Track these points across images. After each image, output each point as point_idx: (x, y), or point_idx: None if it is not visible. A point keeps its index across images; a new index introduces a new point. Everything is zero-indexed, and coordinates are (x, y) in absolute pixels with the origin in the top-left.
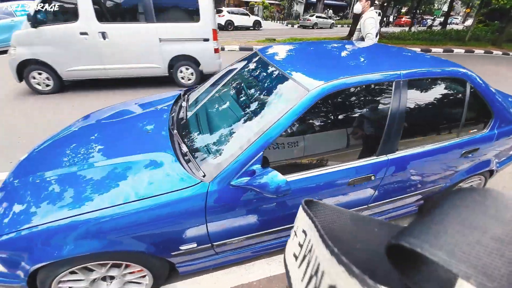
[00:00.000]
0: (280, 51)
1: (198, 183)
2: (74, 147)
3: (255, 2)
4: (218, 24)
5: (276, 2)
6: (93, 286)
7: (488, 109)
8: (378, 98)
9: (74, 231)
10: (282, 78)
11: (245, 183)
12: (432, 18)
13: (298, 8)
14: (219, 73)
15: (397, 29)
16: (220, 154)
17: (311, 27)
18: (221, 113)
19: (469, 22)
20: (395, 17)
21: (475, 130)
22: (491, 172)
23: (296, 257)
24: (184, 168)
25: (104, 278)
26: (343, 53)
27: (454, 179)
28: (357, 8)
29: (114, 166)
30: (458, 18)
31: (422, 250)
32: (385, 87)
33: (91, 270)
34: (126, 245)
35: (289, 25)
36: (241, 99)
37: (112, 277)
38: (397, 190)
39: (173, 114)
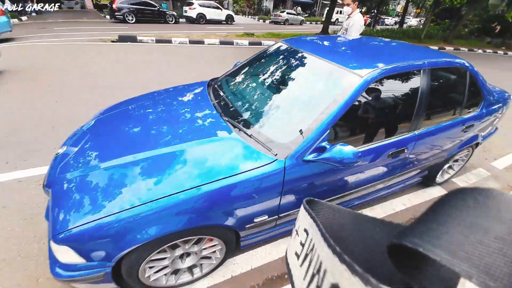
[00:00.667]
0: (310, 43)
1: (275, 161)
2: (138, 132)
3: None
4: (190, 17)
5: None
6: (171, 264)
7: (480, 93)
8: (408, 84)
9: (171, 209)
10: (331, 67)
11: (317, 158)
12: (388, 17)
13: (268, 3)
14: (245, 61)
15: None
16: (289, 135)
17: (282, 23)
18: (274, 98)
19: (414, 21)
20: (374, 16)
21: (471, 110)
22: (477, 144)
23: (298, 256)
24: (257, 149)
25: (181, 256)
26: (369, 46)
27: (454, 151)
28: (347, 10)
29: (190, 150)
30: (410, 18)
31: (424, 250)
32: (413, 75)
33: (176, 248)
34: (214, 220)
35: (261, 20)
36: (291, 87)
37: (188, 254)
38: (418, 160)
39: (218, 101)
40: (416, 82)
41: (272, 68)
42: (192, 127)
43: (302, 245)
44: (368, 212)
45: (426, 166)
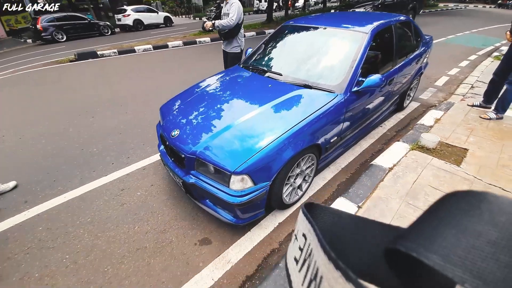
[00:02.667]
0: (311, 19)
1: (337, 95)
2: (232, 103)
3: None
4: (126, 25)
5: None
6: (294, 182)
7: (419, 36)
8: (388, 35)
9: (295, 136)
10: (344, 31)
11: (360, 88)
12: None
13: (197, 0)
14: (265, 43)
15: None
16: (337, 78)
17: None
18: (313, 60)
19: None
20: (284, 2)
21: (417, 49)
22: (421, 74)
23: (296, 261)
24: (323, 92)
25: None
26: (354, 16)
27: (412, 78)
28: None
29: (284, 102)
30: None
31: (417, 255)
32: (389, 29)
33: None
34: (315, 139)
35: (197, 19)
36: (321, 49)
37: (296, 176)
38: (397, 88)
39: (271, 72)
40: (391, 33)
41: (296, 41)
42: (267, 93)
43: (301, 250)
44: (375, 132)
45: (400, 92)
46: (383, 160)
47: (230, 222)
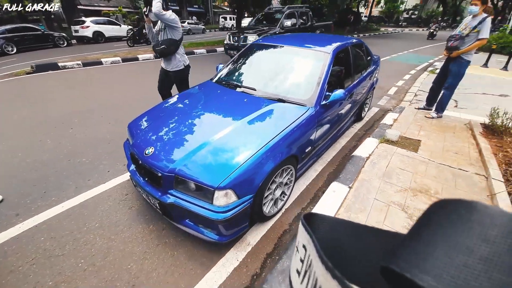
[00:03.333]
0: (277, 39)
1: (309, 108)
2: (205, 119)
3: (109, 10)
4: (84, 37)
5: (132, 10)
6: (273, 194)
7: (370, 56)
8: (345, 55)
9: (273, 149)
10: (308, 50)
11: (327, 101)
12: None
13: None
14: (236, 59)
15: None
16: (307, 92)
17: (185, 33)
18: (282, 72)
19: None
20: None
21: (369, 66)
22: (374, 88)
23: (298, 273)
24: (295, 106)
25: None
26: (314, 37)
27: (367, 92)
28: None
29: (257, 117)
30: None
31: (411, 275)
32: (346, 50)
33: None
34: (291, 151)
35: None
36: (289, 66)
37: (276, 188)
38: (356, 100)
39: (245, 87)
40: (348, 53)
41: (267, 58)
42: (243, 107)
43: (302, 261)
44: (349, 132)
45: (359, 104)
46: (360, 151)
47: (214, 241)
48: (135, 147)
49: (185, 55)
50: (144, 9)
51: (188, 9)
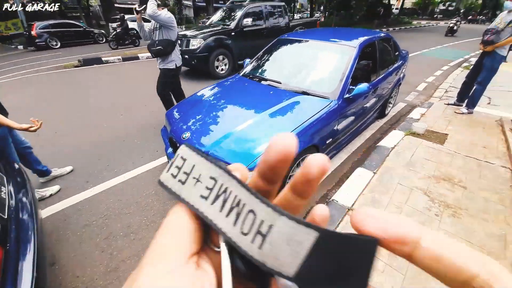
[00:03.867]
0: (303, 34)
1: (332, 101)
2: (241, 106)
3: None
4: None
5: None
6: None
7: (398, 51)
8: (373, 49)
9: (299, 135)
10: (335, 45)
11: (351, 95)
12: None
13: (188, 12)
14: (263, 54)
15: None
16: (331, 86)
17: None
18: (307, 66)
19: (316, 15)
20: None
21: (396, 62)
22: (400, 85)
23: (205, 198)
24: (319, 98)
25: None
26: (343, 31)
27: (393, 88)
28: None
29: (286, 107)
30: (307, 13)
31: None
32: (373, 44)
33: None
34: (313, 141)
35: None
36: (317, 59)
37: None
38: (380, 96)
39: (268, 82)
40: (375, 47)
41: (292, 52)
42: (269, 98)
43: (210, 189)
44: (373, 125)
45: (383, 100)
46: (386, 142)
47: None
48: (173, 133)
49: (180, 55)
50: (135, 6)
51: (214, 5)
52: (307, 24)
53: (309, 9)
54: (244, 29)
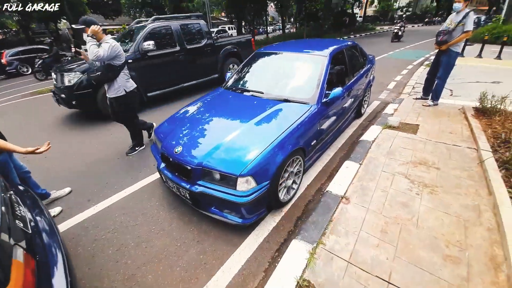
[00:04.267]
0: (278, 46)
1: (312, 106)
2: (225, 118)
3: (113, 29)
4: None
5: None
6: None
7: (365, 55)
8: (342, 56)
9: (283, 142)
10: (308, 55)
11: (327, 99)
12: (263, 27)
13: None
14: (241, 68)
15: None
16: (309, 92)
17: None
18: (285, 76)
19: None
20: (251, 29)
21: (365, 65)
22: (371, 86)
23: None
24: (300, 104)
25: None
26: (313, 42)
27: (365, 89)
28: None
29: (267, 117)
30: (278, 25)
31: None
32: (342, 52)
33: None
34: (298, 144)
35: None
36: (291, 70)
37: (288, 176)
38: (355, 97)
39: (253, 92)
40: (344, 55)
41: (269, 64)
42: (253, 108)
43: None
44: (354, 123)
45: (358, 101)
46: (367, 136)
47: (238, 223)
48: (165, 148)
49: (129, 80)
50: (73, 49)
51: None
52: (240, 44)
53: (280, 22)
54: (148, 54)
